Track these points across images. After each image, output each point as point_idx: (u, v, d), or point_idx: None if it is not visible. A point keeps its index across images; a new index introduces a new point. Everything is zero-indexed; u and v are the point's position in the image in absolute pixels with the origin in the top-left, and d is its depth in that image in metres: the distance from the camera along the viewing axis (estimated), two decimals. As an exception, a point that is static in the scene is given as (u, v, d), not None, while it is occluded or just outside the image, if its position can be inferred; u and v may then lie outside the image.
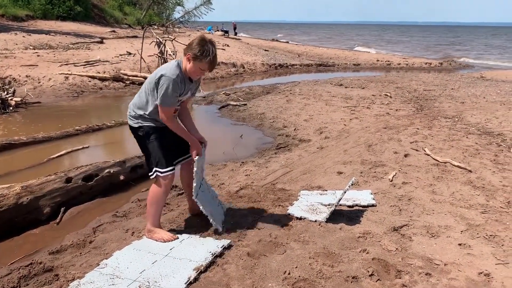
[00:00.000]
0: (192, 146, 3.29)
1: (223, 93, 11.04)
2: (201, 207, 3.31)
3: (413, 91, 11.74)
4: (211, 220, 3.35)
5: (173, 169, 3.23)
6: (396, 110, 8.91)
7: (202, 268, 2.84)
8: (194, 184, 3.26)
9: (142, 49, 13.00)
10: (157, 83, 3.03)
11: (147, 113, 3.13)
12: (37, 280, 2.82)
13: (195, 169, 3.27)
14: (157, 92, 3.03)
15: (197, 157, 3.29)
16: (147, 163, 3.25)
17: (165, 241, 3.17)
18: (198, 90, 3.59)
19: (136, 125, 3.19)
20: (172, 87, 2.98)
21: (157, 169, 3.15)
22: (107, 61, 14.07)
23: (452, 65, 22.73)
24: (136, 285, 2.66)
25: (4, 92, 8.77)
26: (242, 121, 8.35)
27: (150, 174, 3.20)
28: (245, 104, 9.65)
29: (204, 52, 2.96)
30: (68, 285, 2.69)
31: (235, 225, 3.55)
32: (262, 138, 7.13)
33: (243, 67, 17.37)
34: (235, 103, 9.73)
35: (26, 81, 10.83)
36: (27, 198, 3.75)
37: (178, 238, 3.21)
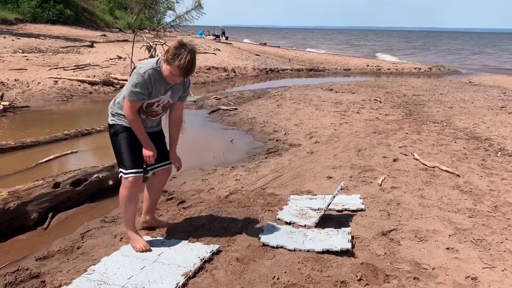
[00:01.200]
0: (145, 149, 3.08)
1: (214, 98, 11.05)
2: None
3: (402, 96, 11.85)
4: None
5: (139, 172, 3.07)
6: (386, 115, 8.98)
7: (190, 273, 2.83)
8: None
9: (132, 53, 12.95)
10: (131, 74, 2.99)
11: (123, 112, 3.04)
12: (24, 287, 2.79)
13: None
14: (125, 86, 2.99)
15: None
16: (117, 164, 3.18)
17: (137, 251, 3.08)
18: (189, 95, 3.52)
19: (110, 122, 3.14)
20: (138, 81, 2.87)
21: (121, 169, 3.06)
22: (97, 65, 14.00)
23: (441, 70, 22.98)
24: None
25: (-9, 96, 8.67)
26: (232, 125, 8.35)
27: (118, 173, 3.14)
28: (236, 109, 9.66)
29: (175, 56, 2.81)
30: (55, 291, 2.66)
31: (224, 230, 3.54)
32: (253, 143, 7.13)
33: (234, 72, 17.40)
34: (225, 108, 9.74)
35: (15, 85, 10.73)
36: (14, 204, 3.70)
37: (151, 250, 3.09)
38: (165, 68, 2.90)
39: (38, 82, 11.13)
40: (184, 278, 2.78)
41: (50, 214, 3.97)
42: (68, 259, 3.14)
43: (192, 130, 8.34)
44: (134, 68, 2.97)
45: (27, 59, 14.26)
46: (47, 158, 5.72)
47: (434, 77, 19.34)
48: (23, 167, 5.47)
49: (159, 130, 3.37)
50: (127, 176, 3.02)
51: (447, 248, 3.32)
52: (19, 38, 19.44)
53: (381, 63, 25.22)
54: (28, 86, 10.82)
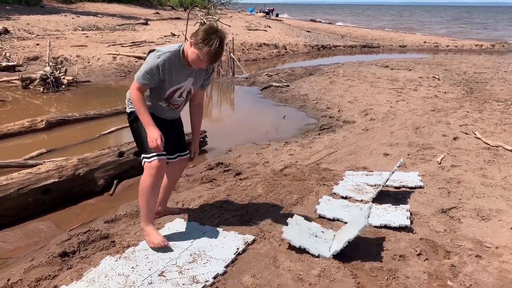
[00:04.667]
0: (149, 135, 2.72)
1: (265, 74, 11.04)
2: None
3: (462, 73, 11.28)
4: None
5: (163, 154, 2.79)
6: (445, 92, 8.61)
7: (250, 240, 2.92)
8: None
9: (186, 30, 13.12)
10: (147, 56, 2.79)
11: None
12: (95, 246, 3.00)
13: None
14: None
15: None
16: (139, 150, 2.95)
17: (154, 246, 2.80)
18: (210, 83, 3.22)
19: (129, 110, 2.93)
20: (151, 65, 2.68)
21: (144, 155, 2.81)
22: (152, 42, 14.36)
23: (505, 47, 21.55)
24: (187, 253, 2.78)
25: (57, 71, 9.15)
26: (284, 102, 8.35)
27: (140, 159, 2.87)
28: (288, 86, 9.62)
29: (206, 40, 2.62)
30: (124, 251, 2.84)
31: (280, 202, 3.60)
32: (305, 119, 7.11)
33: (285, 48, 17.23)
34: (277, 84, 9.72)
35: (77, 60, 11.25)
36: (83, 170, 3.95)
37: (168, 243, 2.82)
38: (192, 52, 2.69)
39: (98, 58, 11.61)
40: (244, 244, 2.88)
41: (115, 181, 4.20)
42: (134, 223, 3.33)
43: (245, 106, 8.42)
44: (152, 50, 2.78)
45: (86, 36, 14.89)
46: (110, 130, 6.02)
47: (497, 55, 18.19)
48: (88, 137, 5.78)
49: (178, 117, 3.14)
50: (151, 159, 2.76)
51: (512, 228, 3.21)
52: (78, 16, 20.27)
53: (439, 39, 24.00)
54: (89, 62, 11.31)
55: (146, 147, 2.78)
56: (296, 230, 2.95)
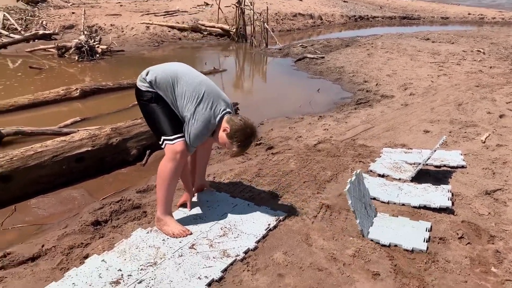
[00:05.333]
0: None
1: (300, 46, 10.74)
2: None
3: (510, 47, 10.63)
4: (357, 222, 2.67)
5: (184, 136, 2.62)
6: (490, 67, 8.13)
7: (281, 217, 2.85)
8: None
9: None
10: (192, 114, 2.57)
11: (165, 98, 2.65)
12: (127, 215, 3.00)
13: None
14: (187, 128, 2.58)
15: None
16: (155, 133, 2.73)
17: (175, 236, 2.61)
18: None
19: (144, 88, 2.66)
20: (209, 126, 2.58)
21: (165, 137, 2.58)
22: (185, 11, 14.21)
23: (558, 20, 20.18)
24: (218, 227, 2.73)
25: (91, 40, 9.20)
26: (319, 74, 8.11)
27: (160, 144, 2.65)
28: (323, 57, 9.33)
29: (242, 142, 2.59)
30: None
31: (313, 178, 3.49)
32: (341, 93, 6.89)
33: (321, 19, 16.72)
34: (312, 56, 9.44)
35: (111, 29, 11.29)
36: (116, 140, 3.95)
37: (191, 233, 2.65)
38: (222, 138, 2.61)
39: (131, 28, 11.60)
40: (276, 220, 2.80)
41: (148, 152, 4.19)
42: (166, 193, 3.29)
43: (278, 78, 8.23)
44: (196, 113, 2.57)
45: (121, 5, 14.89)
46: (143, 100, 5.99)
47: (549, 27, 17.05)
48: (121, 106, 5.79)
49: None
50: (175, 141, 2.56)
51: None
52: (113, -15, 20.24)
53: (485, 11, 22.70)
54: (122, 31, 11.33)
55: (165, 129, 2.59)
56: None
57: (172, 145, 2.56)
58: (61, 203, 3.34)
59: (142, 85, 2.69)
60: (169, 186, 2.62)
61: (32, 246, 2.64)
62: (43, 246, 2.62)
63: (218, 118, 2.62)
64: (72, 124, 4.99)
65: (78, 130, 4.49)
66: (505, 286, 2.29)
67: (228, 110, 2.69)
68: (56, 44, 9.11)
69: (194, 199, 3.07)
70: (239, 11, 11.70)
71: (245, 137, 2.59)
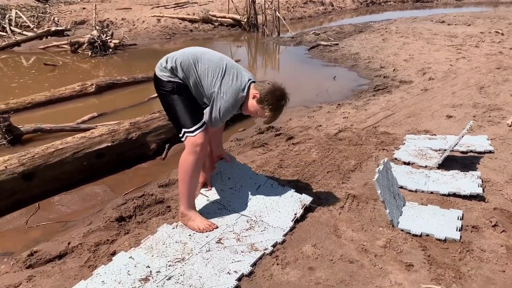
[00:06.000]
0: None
1: (312, 33, 10.59)
2: (378, 192, 2.57)
3: (529, 27, 10.34)
4: (387, 211, 2.58)
5: (205, 126, 2.58)
6: (511, 48, 7.90)
7: (307, 202, 2.78)
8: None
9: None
10: (219, 87, 2.52)
11: (188, 82, 2.60)
12: (151, 210, 2.97)
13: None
14: (215, 102, 2.53)
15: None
16: (175, 125, 2.65)
17: (201, 231, 2.58)
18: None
19: (165, 78, 2.59)
20: (235, 103, 2.55)
21: (186, 129, 2.53)
22: (195, 2, 14.10)
23: None
24: (244, 219, 2.69)
25: (103, 34, 9.18)
26: (334, 62, 7.98)
27: (180, 136, 2.60)
28: (337, 44, 9.18)
29: (273, 106, 2.53)
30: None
31: (337, 167, 3.42)
32: (357, 80, 6.76)
33: (332, 5, 16.47)
34: (325, 43, 9.29)
35: (122, 24, 11.26)
36: (135, 134, 3.92)
37: (217, 227, 2.62)
38: (253, 105, 2.57)
39: (142, 21, 11.55)
40: (302, 206, 2.75)
41: (167, 145, 4.16)
42: (188, 187, 3.26)
43: (292, 67, 8.12)
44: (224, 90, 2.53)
45: (130, -1, 14.84)
46: (158, 93, 5.96)
47: None
48: (137, 101, 5.77)
49: None
50: (196, 133, 2.51)
51: None
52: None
53: (501, -9, 22.13)
54: (134, 25, 11.29)
55: (186, 121, 2.53)
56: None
57: (193, 138, 2.51)
58: (84, 199, 3.33)
59: (163, 75, 2.61)
60: (191, 179, 2.58)
61: (58, 244, 2.63)
62: (69, 243, 2.61)
63: (246, 88, 2.58)
64: (90, 120, 4.98)
65: (96, 126, 4.50)
66: (545, 275, 2.21)
67: (253, 79, 2.65)
68: (69, 40, 9.11)
69: (215, 173, 3.02)
70: (250, 0, 11.56)
71: (276, 99, 2.54)
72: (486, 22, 11.13)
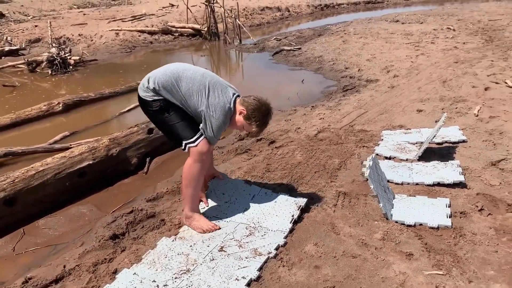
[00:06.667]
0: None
1: (274, 39, 10.73)
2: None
3: (477, 22, 10.93)
4: (381, 205, 2.68)
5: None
6: (464, 43, 8.34)
7: (302, 204, 2.83)
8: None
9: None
10: (206, 106, 2.53)
11: (172, 99, 2.61)
12: (144, 225, 2.92)
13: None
14: (206, 121, 2.55)
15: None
16: (173, 140, 2.73)
17: (204, 232, 2.65)
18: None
19: (150, 98, 2.61)
20: (225, 120, 2.58)
21: (186, 141, 2.57)
22: (152, 14, 13.95)
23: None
24: (242, 226, 2.70)
25: (62, 51, 8.91)
26: (299, 65, 8.12)
27: (182, 149, 2.63)
28: (300, 48, 9.36)
29: (259, 122, 2.61)
30: (177, 230, 2.75)
31: (323, 167, 3.49)
32: (325, 82, 6.92)
33: (288, 11, 16.76)
34: (289, 48, 9.45)
35: (80, 39, 10.97)
36: (116, 150, 3.84)
37: (219, 228, 2.69)
38: (239, 121, 2.63)
39: (100, 36, 11.30)
40: (298, 208, 2.79)
41: (148, 159, 4.10)
42: (178, 199, 3.23)
43: (259, 73, 8.20)
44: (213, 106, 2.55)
45: (84, 14, 14.49)
46: (129, 107, 5.86)
47: (507, 1, 17.59)
48: (108, 116, 5.65)
49: None
50: (197, 141, 2.55)
51: None
52: (72, -6, 19.68)
53: (444, -11, 23.28)
54: (92, 40, 11.02)
55: (184, 133, 2.57)
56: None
57: (196, 147, 2.55)
58: (70, 220, 3.22)
59: (147, 95, 2.64)
60: (197, 184, 2.66)
61: (53, 268, 2.54)
62: (65, 266, 2.52)
63: (232, 103, 2.61)
64: (62, 139, 4.82)
65: (71, 145, 4.37)
66: (534, 252, 2.35)
67: (237, 93, 2.69)
68: (25, 59, 8.78)
69: (209, 191, 3.04)
70: (209, 9, 11.58)
71: (262, 115, 2.61)
72: (437, 20, 11.69)
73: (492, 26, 10.15)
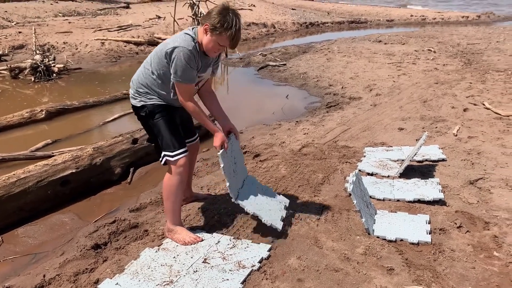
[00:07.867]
0: (216, 137, 2.65)
1: (260, 54, 10.85)
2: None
3: (456, 45, 11.28)
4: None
5: (186, 150, 2.65)
6: (444, 65, 8.59)
7: (286, 204, 2.88)
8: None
9: (175, 11, 12.81)
10: (169, 54, 2.45)
11: (153, 88, 2.62)
12: (127, 236, 2.90)
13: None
14: (170, 67, 2.48)
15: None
16: (155, 148, 2.77)
17: (186, 244, 2.64)
18: (219, 66, 3.01)
19: (138, 104, 2.66)
20: (189, 59, 2.42)
21: (166, 153, 2.60)
22: (139, 25, 13.98)
23: (491, 18, 21.65)
24: (226, 238, 2.71)
25: (46, 59, 8.83)
26: (284, 81, 8.22)
27: (160, 160, 2.68)
28: (285, 64, 9.48)
29: (225, 24, 2.37)
30: (160, 241, 2.74)
31: (307, 182, 3.54)
32: (309, 98, 7.02)
33: (274, 27, 16.99)
34: (274, 64, 9.57)
35: (64, 47, 10.89)
36: (100, 159, 3.82)
37: (202, 240, 2.68)
38: (209, 40, 2.44)
39: (85, 44, 11.24)
40: (285, 213, 2.82)
41: (131, 169, 4.08)
42: (162, 210, 3.22)
43: (245, 87, 8.26)
44: (173, 49, 2.44)
45: (69, 22, 14.42)
46: (114, 117, 5.84)
47: (484, 25, 18.23)
48: (91, 125, 5.61)
49: None
50: (177, 158, 2.58)
51: (544, 197, 3.20)
52: (57, 2, 19.57)
53: (425, 12, 23.99)
54: (77, 49, 10.95)
55: (167, 144, 2.60)
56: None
57: (174, 161, 2.61)
58: (51, 229, 3.18)
59: (135, 102, 2.71)
60: (176, 197, 2.67)
61: (32, 277, 2.49)
62: (44, 276, 2.48)
63: (191, 30, 2.51)
64: (44, 147, 4.77)
65: (53, 153, 4.32)
66: (510, 268, 2.42)
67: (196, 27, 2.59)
68: (8, 65, 8.66)
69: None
70: (196, 22, 11.66)
71: (227, 15, 2.39)
72: (418, 41, 12.01)
73: (470, 50, 10.49)
